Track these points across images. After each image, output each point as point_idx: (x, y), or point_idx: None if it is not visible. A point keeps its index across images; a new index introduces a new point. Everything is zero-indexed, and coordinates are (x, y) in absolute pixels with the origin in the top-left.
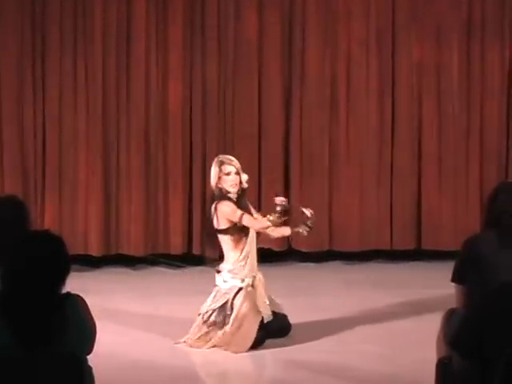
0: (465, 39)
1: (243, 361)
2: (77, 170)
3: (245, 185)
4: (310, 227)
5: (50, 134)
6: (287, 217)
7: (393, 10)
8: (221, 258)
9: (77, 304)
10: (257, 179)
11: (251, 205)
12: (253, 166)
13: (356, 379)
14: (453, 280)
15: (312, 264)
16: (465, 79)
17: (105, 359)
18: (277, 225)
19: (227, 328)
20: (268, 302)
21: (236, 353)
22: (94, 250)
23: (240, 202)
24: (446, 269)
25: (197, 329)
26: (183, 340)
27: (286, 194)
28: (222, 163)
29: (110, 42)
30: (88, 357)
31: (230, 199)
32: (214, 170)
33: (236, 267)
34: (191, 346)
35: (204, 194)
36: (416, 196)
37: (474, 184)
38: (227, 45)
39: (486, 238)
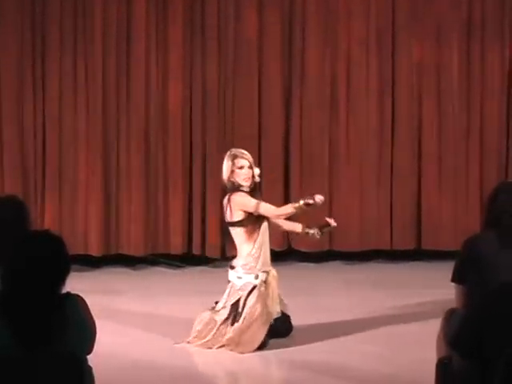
0: (465, 39)
1: (243, 361)
2: (77, 170)
3: (257, 179)
4: (322, 234)
5: (50, 134)
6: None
7: (393, 10)
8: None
9: (77, 304)
10: None
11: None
12: None
13: (356, 379)
14: (453, 280)
15: (312, 264)
16: (465, 79)
17: (105, 359)
18: (298, 213)
19: (236, 326)
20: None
21: (242, 353)
22: (94, 250)
23: (253, 196)
24: (446, 269)
25: (209, 328)
26: (188, 340)
27: (286, 194)
28: (234, 157)
29: (109, 42)
30: (88, 357)
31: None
32: (226, 164)
33: (250, 261)
34: (201, 347)
35: (204, 193)
36: (416, 196)
37: (474, 184)
38: (227, 45)
39: (486, 238)
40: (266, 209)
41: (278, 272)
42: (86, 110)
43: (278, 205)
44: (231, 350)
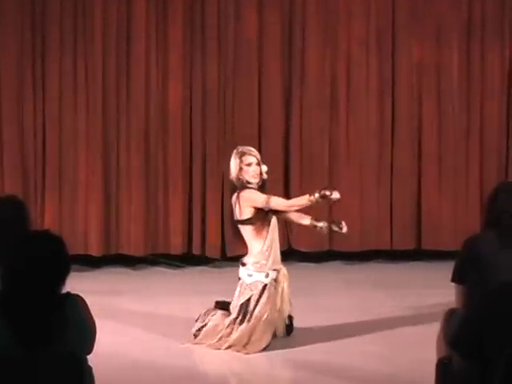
0: (465, 39)
1: (244, 361)
2: (77, 170)
3: (265, 176)
4: (330, 229)
5: (50, 134)
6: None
7: (393, 10)
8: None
9: (77, 304)
10: None
11: None
12: None
13: (356, 379)
14: (453, 280)
15: (312, 264)
16: (465, 79)
17: (105, 359)
18: (313, 205)
19: (245, 327)
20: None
21: (249, 353)
22: (94, 250)
23: (262, 193)
24: (446, 269)
25: (218, 329)
26: (195, 341)
27: (286, 194)
28: (242, 154)
29: (109, 42)
30: (88, 357)
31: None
32: (234, 162)
33: (260, 259)
34: (209, 348)
35: (204, 193)
36: (416, 196)
37: (473, 184)
38: (227, 45)
39: (486, 238)
40: (277, 202)
41: None
42: (85, 110)
43: None
44: (238, 351)
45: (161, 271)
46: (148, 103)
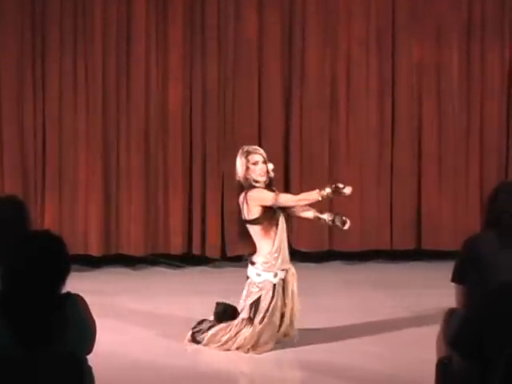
0: (465, 39)
1: (244, 361)
2: (77, 170)
3: (271, 174)
4: (333, 222)
5: (50, 134)
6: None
7: (393, 10)
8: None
9: (77, 304)
10: None
11: None
12: None
13: (356, 379)
14: (453, 280)
15: (312, 264)
16: (465, 79)
17: (105, 359)
18: (323, 200)
19: (254, 329)
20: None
21: (259, 354)
22: (94, 250)
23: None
24: (446, 269)
25: (227, 330)
26: (204, 343)
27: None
28: (248, 153)
29: (110, 42)
30: (88, 357)
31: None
32: (240, 161)
33: (270, 259)
34: (218, 349)
35: (204, 193)
36: (416, 196)
37: (473, 184)
38: (227, 45)
39: (486, 238)
40: (285, 198)
41: None
42: (85, 110)
43: None
44: (246, 352)
45: (161, 271)
46: (148, 103)
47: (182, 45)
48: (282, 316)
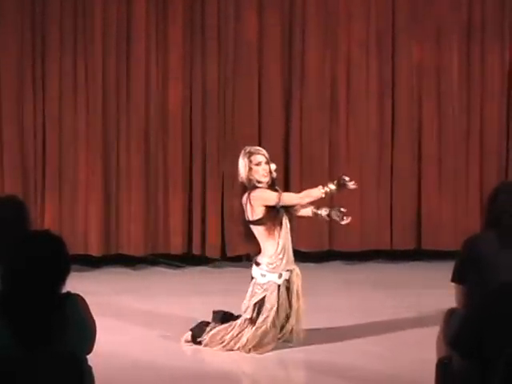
0: (465, 41)
1: (244, 361)
2: (77, 170)
3: (274, 174)
4: (329, 217)
5: (50, 134)
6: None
7: (393, 12)
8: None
9: (77, 304)
10: None
11: None
12: None
13: (356, 379)
14: (453, 280)
15: (312, 264)
16: (465, 81)
17: (105, 359)
18: (327, 196)
19: (257, 329)
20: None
21: (261, 354)
22: (94, 250)
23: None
24: (446, 269)
25: (228, 330)
26: (205, 344)
27: None
28: (250, 154)
29: (109, 42)
30: (88, 357)
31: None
32: (242, 162)
33: (274, 260)
34: (220, 350)
35: (204, 193)
36: (416, 197)
37: (473, 185)
38: (227, 45)
39: (486, 238)
40: (289, 198)
41: None
42: (85, 110)
43: None
44: (248, 352)
45: (161, 271)
46: (148, 103)
47: (182, 45)
48: (288, 317)
